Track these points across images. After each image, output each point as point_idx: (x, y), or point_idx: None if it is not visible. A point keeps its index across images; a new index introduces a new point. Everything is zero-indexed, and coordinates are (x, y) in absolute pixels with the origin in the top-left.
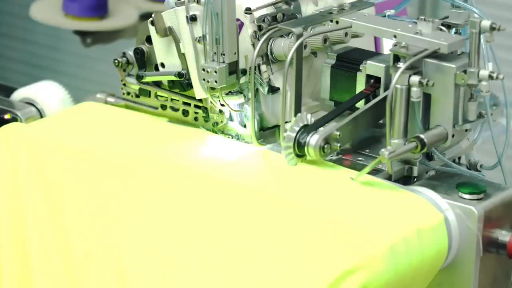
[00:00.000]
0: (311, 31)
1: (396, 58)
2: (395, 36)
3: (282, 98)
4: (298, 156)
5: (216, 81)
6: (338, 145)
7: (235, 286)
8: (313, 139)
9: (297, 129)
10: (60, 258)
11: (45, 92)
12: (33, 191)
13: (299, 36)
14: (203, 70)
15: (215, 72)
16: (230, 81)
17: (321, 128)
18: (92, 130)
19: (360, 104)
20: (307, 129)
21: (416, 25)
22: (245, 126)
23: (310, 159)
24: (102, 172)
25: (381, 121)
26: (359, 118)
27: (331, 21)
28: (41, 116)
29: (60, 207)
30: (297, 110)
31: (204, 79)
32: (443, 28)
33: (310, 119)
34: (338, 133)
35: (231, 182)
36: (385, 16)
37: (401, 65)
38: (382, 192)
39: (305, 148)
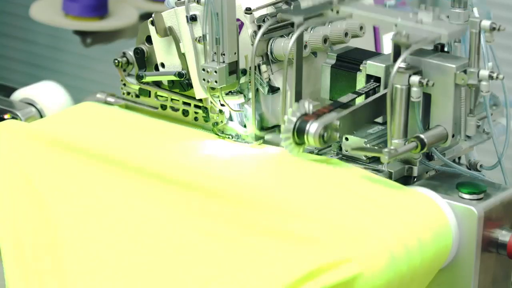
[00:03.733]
0: (311, 32)
1: (397, 52)
2: (396, 25)
3: (282, 98)
4: (297, 144)
5: (216, 81)
6: (338, 134)
7: (236, 281)
8: (313, 127)
9: (296, 117)
10: (54, 256)
11: (45, 92)
12: (30, 189)
13: (299, 25)
14: (203, 70)
15: (215, 72)
16: (230, 81)
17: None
18: (91, 130)
19: (360, 100)
20: (307, 117)
21: (417, 14)
22: (245, 126)
23: (309, 147)
24: (101, 171)
25: (381, 121)
26: (359, 112)
27: (332, 10)
28: (41, 116)
29: (58, 207)
30: None
31: (204, 79)
32: (444, 17)
33: (310, 107)
34: (338, 122)
35: (231, 179)
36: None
37: (402, 65)
38: (384, 191)
39: (305, 136)
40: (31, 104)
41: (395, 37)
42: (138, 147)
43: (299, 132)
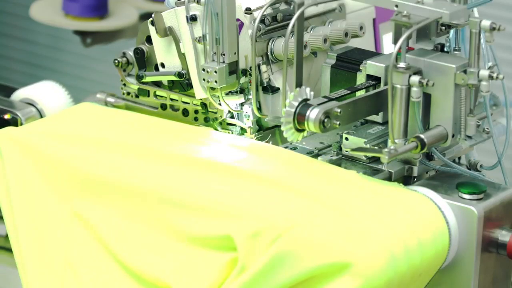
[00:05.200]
0: (311, 32)
1: (398, 36)
2: (396, 6)
3: (282, 98)
4: (298, 130)
5: (216, 81)
6: (338, 123)
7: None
8: (314, 112)
9: (297, 103)
10: (65, 260)
11: (45, 92)
12: (32, 191)
13: (300, 5)
14: (203, 70)
15: (215, 72)
16: (230, 81)
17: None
18: (90, 131)
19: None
20: (308, 103)
21: None
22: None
23: (311, 131)
24: (100, 172)
25: (381, 121)
26: (359, 103)
27: None
28: (41, 116)
29: (59, 209)
30: None
31: (204, 79)
32: None
33: (311, 94)
34: (339, 110)
35: (233, 170)
36: None
37: (402, 65)
38: (383, 191)
39: (305, 122)
40: (31, 104)
41: (396, 17)
42: (138, 147)
43: (299, 118)
